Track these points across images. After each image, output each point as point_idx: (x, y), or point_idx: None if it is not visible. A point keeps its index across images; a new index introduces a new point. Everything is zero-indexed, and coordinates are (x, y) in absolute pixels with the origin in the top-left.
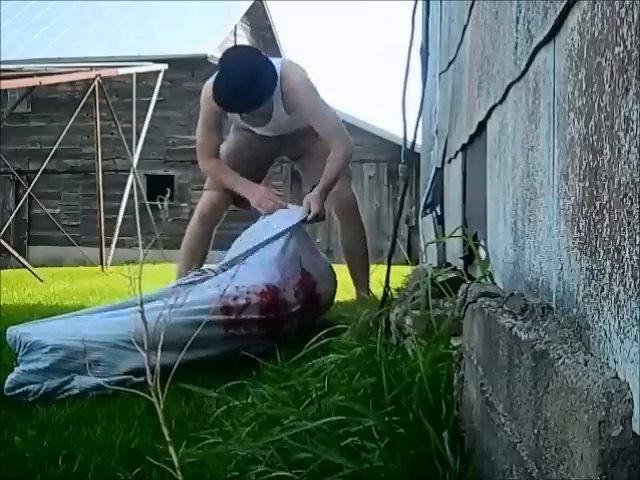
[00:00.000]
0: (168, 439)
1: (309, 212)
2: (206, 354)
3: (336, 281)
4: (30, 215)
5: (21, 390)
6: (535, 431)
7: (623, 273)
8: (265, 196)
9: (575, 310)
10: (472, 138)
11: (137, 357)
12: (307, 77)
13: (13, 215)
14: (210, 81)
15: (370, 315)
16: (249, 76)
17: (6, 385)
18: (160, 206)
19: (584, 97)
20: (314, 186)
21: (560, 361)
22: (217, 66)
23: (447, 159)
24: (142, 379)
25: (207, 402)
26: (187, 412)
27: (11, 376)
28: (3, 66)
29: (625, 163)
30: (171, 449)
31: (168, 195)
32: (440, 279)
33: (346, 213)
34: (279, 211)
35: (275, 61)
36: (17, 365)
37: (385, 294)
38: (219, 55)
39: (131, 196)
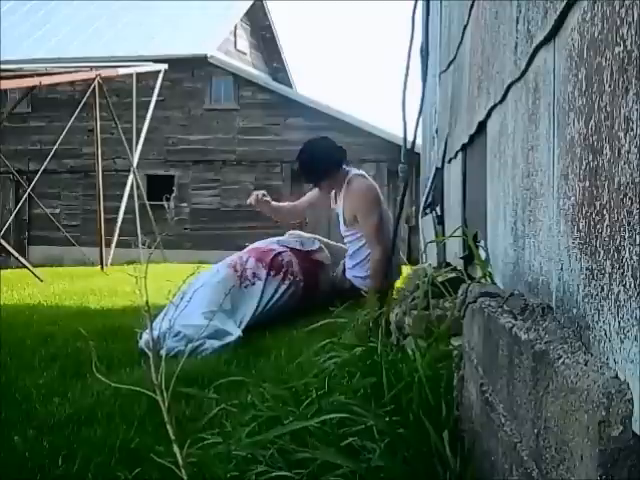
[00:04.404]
0: (172, 437)
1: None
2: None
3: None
4: (30, 215)
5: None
6: (535, 431)
7: (623, 273)
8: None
9: (575, 310)
10: (472, 138)
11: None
12: (369, 188)
13: (13, 215)
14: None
15: (370, 315)
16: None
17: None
18: (166, 206)
19: (584, 97)
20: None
21: (560, 361)
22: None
23: (447, 159)
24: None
25: (207, 402)
26: (187, 412)
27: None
28: (3, 66)
29: (625, 163)
30: (175, 447)
31: (174, 195)
32: (440, 279)
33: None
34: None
35: (350, 169)
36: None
37: (385, 294)
38: (219, 55)
39: (131, 196)
